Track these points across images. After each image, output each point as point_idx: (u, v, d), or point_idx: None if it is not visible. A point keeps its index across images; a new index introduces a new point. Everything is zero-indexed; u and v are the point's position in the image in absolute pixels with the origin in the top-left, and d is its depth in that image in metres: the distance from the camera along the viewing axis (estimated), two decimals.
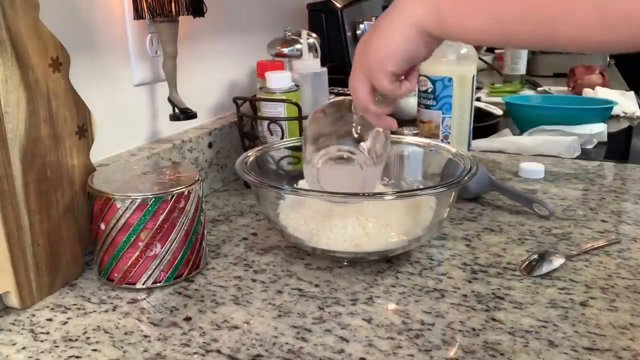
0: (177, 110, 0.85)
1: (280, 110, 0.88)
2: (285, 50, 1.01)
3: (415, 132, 0.94)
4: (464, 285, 0.65)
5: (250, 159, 0.76)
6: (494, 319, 0.58)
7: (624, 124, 1.37)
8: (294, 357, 0.53)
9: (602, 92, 1.48)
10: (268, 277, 0.68)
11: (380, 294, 0.64)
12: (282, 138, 0.88)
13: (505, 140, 1.15)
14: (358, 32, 1.27)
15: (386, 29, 0.56)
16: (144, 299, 0.64)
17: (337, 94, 1.08)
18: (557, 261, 0.69)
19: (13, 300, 0.60)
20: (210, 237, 0.78)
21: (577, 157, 1.11)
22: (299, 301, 0.62)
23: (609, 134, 1.23)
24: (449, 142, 0.96)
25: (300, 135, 0.89)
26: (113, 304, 0.63)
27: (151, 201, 0.62)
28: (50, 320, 0.60)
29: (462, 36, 0.54)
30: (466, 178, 0.68)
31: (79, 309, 0.62)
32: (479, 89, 1.71)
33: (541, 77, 1.94)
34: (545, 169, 1.01)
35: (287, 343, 0.55)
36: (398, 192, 0.77)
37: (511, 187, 0.92)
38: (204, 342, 0.56)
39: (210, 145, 0.94)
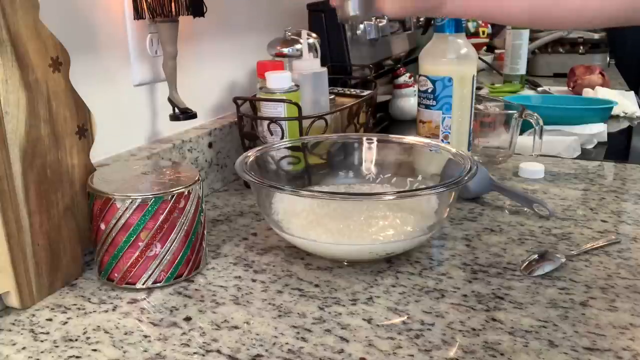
0: (177, 110, 0.85)
1: (280, 110, 0.88)
2: (285, 50, 1.01)
3: None
4: (464, 285, 0.65)
5: (250, 159, 0.76)
6: (494, 319, 0.58)
7: (624, 124, 1.37)
8: (294, 357, 0.53)
9: (602, 92, 1.48)
10: (268, 277, 0.68)
11: (380, 294, 0.64)
12: (282, 138, 0.88)
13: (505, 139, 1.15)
14: (358, 32, 1.27)
15: None
16: (144, 299, 0.64)
17: (337, 94, 1.08)
18: (557, 261, 0.69)
19: (13, 300, 0.61)
20: (210, 237, 0.78)
21: (577, 157, 1.12)
22: (299, 301, 0.62)
23: (609, 134, 1.23)
24: (449, 142, 0.96)
25: (301, 135, 0.89)
26: (113, 304, 0.63)
27: (151, 201, 0.62)
28: (50, 320, 0.60)
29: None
30: (466, 178, 0.68)
31: (79, 309, 0.62)
32: (479, 89, 1.71)
33: (541, 77, 1.94)
34: (545, 169, 1.01)
35: (287, 343, 0.55)
36: (398, 192, 0.77)
37: (511, 187, 0.92)
38: (204, 342, 0.56)
39: (210, 145, 0.94)
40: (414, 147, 0.85)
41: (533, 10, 0.63)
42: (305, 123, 0.89)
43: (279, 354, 0.54)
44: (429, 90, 0.95)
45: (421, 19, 1.56)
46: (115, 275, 0.65)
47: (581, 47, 1.93)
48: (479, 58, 1.73)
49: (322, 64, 1.00)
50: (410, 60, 1.65)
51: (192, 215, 0.66)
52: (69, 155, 0.65)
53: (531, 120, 1.02)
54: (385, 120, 1.39)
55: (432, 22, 1.03)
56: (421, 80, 0.96)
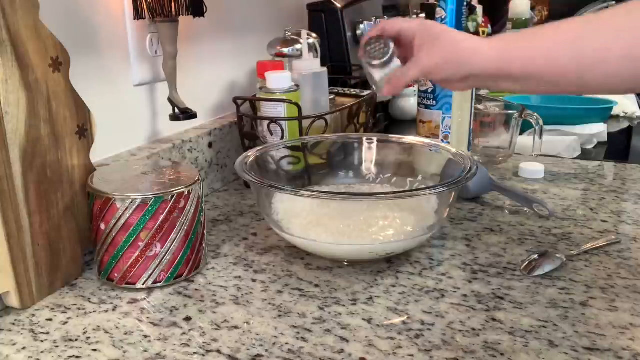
0: (177, 110, 0.85)
1: (280, 110, 0.88)
2: (285, 50, 1.01)
3: None
4: (464, 285, 0.65)
5: (250, 159, 0.76)
6: (494, 319, 0.58)
7: (624, 124, 1.37)
8: (294, 357, 0.53)
9: None
10: (268, 277, 0.68)
11: (380, 294, 0.64)
12: (282, 138, 0.88)
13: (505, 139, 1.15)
14: (358, 32, 1.27)
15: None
16: (144, 299, 0.64)
17: (337, 94, 1.08)
18: (557, 261, 0.69)
19: (13, 300, 0.61)
20: (210, 237, 0.78)
21: (577, 157, 1.12)
22: (299, 301, 0.62)
23: (609, 134, 1.23)
24: (449, 142, 0.96)
25: (301, 135, 0.89)
26: (113, 304, 0.63)
27: (151, 201, 0.62)
28: (50, 320, 0.60)
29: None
30: (466, 178, 0.68)
31: (79, 309, 0.62)
32: (479, 89, 1.71)
33: None
34: (545, 169, 1.01)
35: (287, 343, 0.55)
36: (398, 192, 0.77)
37: (511, 187, 0.92)
38: (204, 342, 0.56)
39: (210, 145, 0.94)
40: (414, 147, 0.85)
41: (581, 57, 0.57)
42: (305, 123, 0.89)
43: (279, 354, 0.54)
44: (429, 90, 0.95)
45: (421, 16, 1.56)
46: (115, 275, 0.65)
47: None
48: None
49: (322, 64, 1.00)
50: None
51: (192, 215, 0.66)
52: (69, 155, 0.65)
53: (531, 120, 1.02)
54: (385, 120, 1.39)
55: None
56: (421, 80, 0.96)
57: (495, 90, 0.89)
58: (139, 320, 0.60)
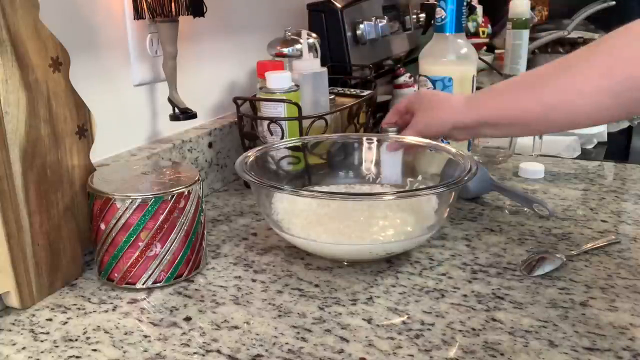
0: (177, 110, 0.85)
1: (280, 110, 0.88)
2: (285, 50, 1.01)
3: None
4: (464, 285, 0.65)
5: (250, 159, 0.76)
6: (494, 319, 0.58)
7: (624, 124, 1.37)
8: (294, 357, 0.53)
9: None
10: (268, 277, 0.68)
11: (380, 294, 0.64)
12: (282, 138, 0.88)
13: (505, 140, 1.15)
14: (358, 32, 1.27)
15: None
16: (144, 299, 0.64)
17: (337, 94, 1.08)
18: (557, 261, 0.69)
19: (13, 300, 0.61)
20: (210, 237, 0.78)
21: (577, 157, 1.12)
22: (299, 301, 0.62)
23: (609, 134, 1.23)
24: (449, 142, 0.95)
25: (301, 135, 0.89)
26: (113, 304, 0.63)
27: (151, 201, 0.62)
28: (50, 320, 0.60)
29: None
30: (466, 178, 0.68)
31: (79, 309, 0.62)
32: (478, 89, 1.71)
33: None
34: (545, 169, 1.01)
35: (287, 343, 0.55)
36: (398, 192, 0.77)
37: (511, 187, 0.92)
38: (204, 342, 0.56)
39: (210, 145, 0.94)
40: (414, 147, 0.85)
41: (544, 101, 0.67)
42: (305, 123, 0.89)
43: (279, 354, 0.54)
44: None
45: (421, 19, 1.56)
46: (115, 275, 0.65)
47: (581, 47, 1.92)
48: (479, 58, 1.73)
49: (322, 64, 1.00)
50: (410, 60, 1.65)
51: (192, 215, 0.66)
52: (69, 155, 0.65)
53: None
54: None
55: (432, 22, 1.03)
56: (421, 80, 0.96)
57: (484, 137, 0.98)
58: (139, 320, 0.60)
